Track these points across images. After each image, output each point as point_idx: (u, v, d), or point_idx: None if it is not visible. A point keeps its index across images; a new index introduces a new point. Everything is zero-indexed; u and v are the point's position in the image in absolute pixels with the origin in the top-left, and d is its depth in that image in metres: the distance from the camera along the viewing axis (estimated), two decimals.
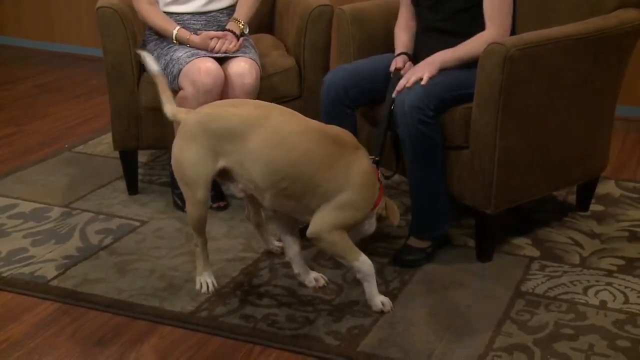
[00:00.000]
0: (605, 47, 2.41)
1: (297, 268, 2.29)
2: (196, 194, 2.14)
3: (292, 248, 2.27)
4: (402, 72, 2.42)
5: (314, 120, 2.14)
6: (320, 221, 2.08)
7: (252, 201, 2.34)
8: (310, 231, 2.10)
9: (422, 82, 2.27)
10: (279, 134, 2.04)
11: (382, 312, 2.16)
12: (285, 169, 2.04)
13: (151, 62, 2.27)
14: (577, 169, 2.60)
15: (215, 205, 2.82)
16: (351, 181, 2.07)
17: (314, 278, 2.29)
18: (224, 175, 2.15)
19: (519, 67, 2.22)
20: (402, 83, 2.31)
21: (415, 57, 2.50)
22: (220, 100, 2.64)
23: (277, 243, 2.52)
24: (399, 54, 2.50)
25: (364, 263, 2.13)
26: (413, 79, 2.29)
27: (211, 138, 2.09)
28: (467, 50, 2.34)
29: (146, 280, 2.35)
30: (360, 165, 2.09)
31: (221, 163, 2.10)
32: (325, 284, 2.29)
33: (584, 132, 2.54)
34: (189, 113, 2.18)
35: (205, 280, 2.28)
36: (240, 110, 2.10)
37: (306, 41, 2.95)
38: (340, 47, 2.75)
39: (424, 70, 2.30)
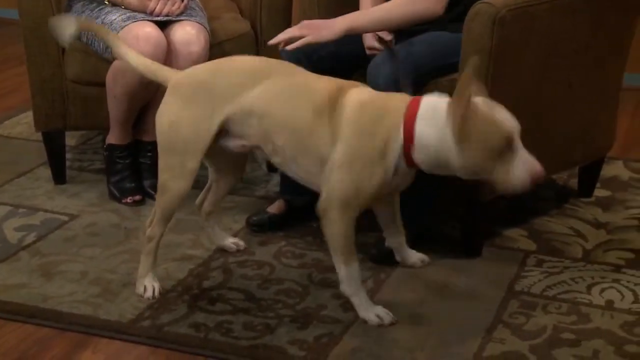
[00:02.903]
0: (609, 6, 2.45)
1: (399, 255, 2.39)
2: (187, 163, 2.17)
3: (396, 239, 2.35)
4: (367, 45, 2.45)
5: (312, 74, 2.19)
6: (327, 189, 2.08)
7: (218, 185, 2.40)
8: (318, 205, 2.11)
9: (292, 45, 2.23)
10: (276, 87, 2.12)
11: (382, 326, 2.15)
12: (277, 126, 2.11)
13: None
14: (579, 148, 2.65)
15: (130, 199, 2.81)
16: (340, 132, 2.05)
17: (419, 259, 2.40)
18: (221, 134, 2.20)
19: (510, 30, 2.25)
20: (280, 37, 2.28)
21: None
22: None
23: (231, 239, 2.53)
24: None
25: (354, 271, 2.14)
26: (285, 36, 2.26)
27: (213, 97, 2.14)
28: (386, 12, 2.29)
29: (77, 284, 2.34)
30: (348, 109, 2.05)
31: (222, 114, 2.14)
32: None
33: (586, 105, 2.58)
34: (180, 72, 2.25)
35: (151, 284, 2.28)
36: (242, 64, 2.20)
37: (263, 1, 2.94)
38: (303, 8, 2.75)
39: (311, 31, 2.24)
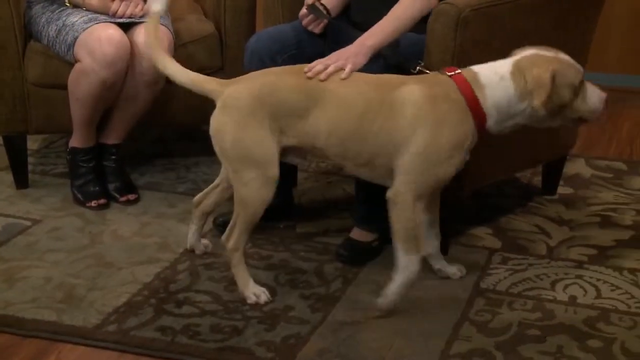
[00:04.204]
0: (570, 7, 2.48)
1: (437, 264, 2.38)
2: (268, 171, 2.16)
3: (433, 243, 2.35)
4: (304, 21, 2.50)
5: (359, 74, 2.20)
6: (404, 179, 2.13)
7: (226, 187, 2.38)
8: (390, 191, 2.16)
9: (343, 76, 2.21)
10: (335, 100, 2.15)
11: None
12: (347, 135, 2.14)
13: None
14: (543, 146, 2.68)
15: (124, 198, 2.80)
16: (414, 126, 2.10)
17: (457, 270, 2.39)
18: (287, 151, 2.21)
19: (474, 30, 2.27)
20: (318, 68, 2.21)
21: (354, 22, 2.53)
22: (128, 71, 2.64)
23: (203, 241, 2.52)
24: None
25: (414, 264, 2.16)
26: (331, 69, 2.21)
27: (271, 113, 2.14)
28: (397, 19, 2.32)
29: (40, 290, 2.32)
30: (412, 102, 2.10)
31: (284, 140, 2.17)
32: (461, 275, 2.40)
33: None
34: (230, 85, 2.20)
35: (258, 289, 2.27)
36: (295, 80, 2.17)
37: (227, 3, 2.94)
38: (267, 9, 2.75)
39: (348, 61, 2.25)
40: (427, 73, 2.23)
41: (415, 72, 2.25)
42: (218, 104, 2.18)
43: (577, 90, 2.13)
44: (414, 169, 2.12)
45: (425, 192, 2.16)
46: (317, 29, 2.55)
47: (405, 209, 2.14)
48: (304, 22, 2.54)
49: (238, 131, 2.15)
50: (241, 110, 2.15)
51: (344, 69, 2.20)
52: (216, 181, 2.45)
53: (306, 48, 2.52)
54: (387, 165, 2.16)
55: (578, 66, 2.16)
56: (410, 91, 2.12)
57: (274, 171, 2.17)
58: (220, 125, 2.17)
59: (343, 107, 2.15)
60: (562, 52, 2.17)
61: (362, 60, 2.27)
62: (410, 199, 2.14)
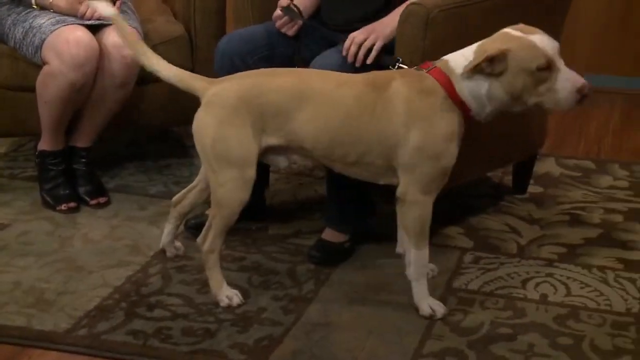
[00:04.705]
0: (537, 7, 2.51)
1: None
2: (246, 173, 2.15)
3: (405, 245, 2.32)
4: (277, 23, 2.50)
5: (345, 74, 2.20)
6: (408, 176, 2.14)
7: (204, 187, 2.36)
8: (398, 190, 2.17)
9: (370, 57, 2.29)
10: (323, 101, 2.14)
11: (431, 318, 2.19)
12: (337, 135, 2.14)
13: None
14: (513, 146, 2.70)
15: (94, 201, 2.78)
16: (406, 122, 2.10)
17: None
18: (267, 151, 2.20)
19: (442, 30, 2.29)
20: (352, 47, 2.30)
21: (325, 22, 2.53)
22: (97, 74, 2.62)
23: (176, 243, 2.51)
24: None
25: (423, 257, 2.19)
26: (369, 42, 2.29)
27: (256, 114, 2.13)
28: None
29: (9, 295, 2.29)
30: (399, 95, 2.10)
31: (267, 140, 2.16)
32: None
33: None
34: (217, 83, 2.18)
35: (231, 292, 2.26)
36: (284, 81, 2.16)
37: (197, 4, 2.93)
38: (236, 11, 2.74)
39: (378, 37, 2.30)
40: (406, 68, 2.23)
41: (395, 68, 2.25)
42: (203, 101, 2.17)
43: (540, 76, 2.02)
44: (415, 165, 2.13)
45: (432, 186, 2.16)
46: (290, 31, 2.55)
47: (415, 206, 2.16)
48: (278, 24, 2.54)
49: (220, 130, 2.14)
50: (225, 109, 2.14)
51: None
52: (194, 182, 2.44)
53: (277, 49, 2.53)
54: (379, 163, 2.16)
55: (545, 51, 2.02)
56: (399, 88, 2.12)
57: (252, 172, 2.17)
58: (202, 123, 2.16)
59: (333, 107, 2.14)
60: (542, 34, 2.05)
61: (392, 33, 2.31)
62: (419, 196, 2.15)
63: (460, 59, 2.11)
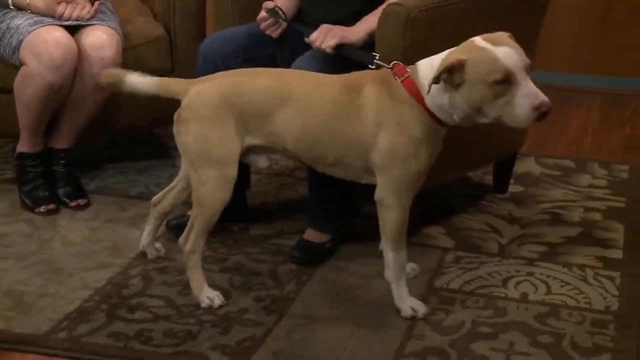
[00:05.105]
0: (516, 6, 2.52)
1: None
2: (227, 172, 2.16)
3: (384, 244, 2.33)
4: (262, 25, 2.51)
5: (324, 75, 2.21)
6: (383, 179, 2.15)
7: (184, 187, 2.36)
8: (375, 194, 2.18)
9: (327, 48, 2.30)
10: (303, 102, 2.15)
11: (413, 319, 2.20)
12: (316, 136, 2.15)
13: None
14: (493, 145, 2.71)
15: (74, 203, 2.76)
16: (377, 124, 2.11)
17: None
18: (249, 151, 2.21)
19: (422, 31, 2.29)
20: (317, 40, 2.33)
21: (307, 24, 2.53)
22: (76, 75, 2.61)
23: (156, 245, 2.50)
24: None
25: (401, 259, 2.20)
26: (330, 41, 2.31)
27: (237, 114, 2.14)
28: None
29: None
30: (372, 101, 2.12)
31: (249, 140, 2.17)
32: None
33: None
34: (198, 83, 2.18)
35: (212, 293, 2.26)
36: (264, 81, 2.17)
37: (176, 5, 2.92)
38: (217, 12, 2.74)
39: (336, 36, 2.32)
40: (384, 66, 2.20)
41: (374, 67, 2.24)
42: (184, 102, 2.17)
43: (497, 90, 1.95)
44: (386, 168, 2.14)
45: (406, 189, 2.17)
46: (275, 33, 2.54)
47: (391, 210, 2.17)
48: (262, 26, 2.53)
49: (201, 129, 2.14)
50: (207, 108, 2.14)
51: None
52: (174, 182, 2.43)
53: (260, 51, 2.52)
54: (357, 164, 2.18)
55: (504, 65, 1.94)
56: (371, 93, 2.13)
57: (233, 171, 2.17)
58: (184, 122, 2.16)
59: (313, 108, 2.15)
60: (510, 46, 1.98)
61: (352, 38, 2.34)
62: (394, 199, 2.16)
63: (428, 68, 2.06)
